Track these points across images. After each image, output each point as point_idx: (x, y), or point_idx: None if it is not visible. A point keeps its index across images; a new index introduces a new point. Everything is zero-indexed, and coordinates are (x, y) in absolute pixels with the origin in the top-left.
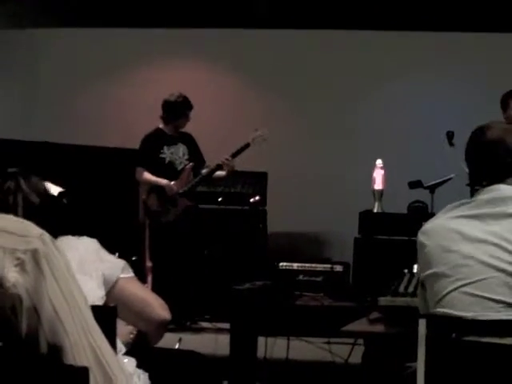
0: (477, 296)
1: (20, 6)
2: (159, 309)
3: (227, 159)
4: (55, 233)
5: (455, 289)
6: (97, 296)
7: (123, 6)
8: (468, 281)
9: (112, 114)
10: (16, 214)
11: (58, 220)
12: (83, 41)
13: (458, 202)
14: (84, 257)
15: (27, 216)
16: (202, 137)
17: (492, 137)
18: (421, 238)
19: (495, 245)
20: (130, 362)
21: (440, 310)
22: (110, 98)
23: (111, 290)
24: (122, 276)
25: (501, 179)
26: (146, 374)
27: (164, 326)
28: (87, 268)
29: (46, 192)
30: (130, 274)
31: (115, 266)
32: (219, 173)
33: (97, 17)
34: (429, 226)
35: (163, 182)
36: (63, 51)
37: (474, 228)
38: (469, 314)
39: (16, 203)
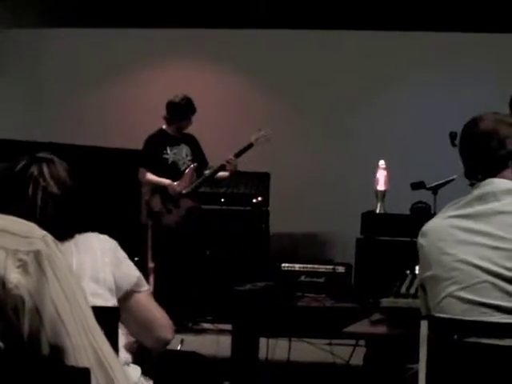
0: (470, 301)
1: (23, 5)
2: (166, 328)
3: (230, 159)
4: (70, 229)
5: (450, 293)
6: (109, 305)
7: (126, 6)
8: (462, 285)
9: (115, 115)
10: (35, 204)
11: (74, 216)
12: (86, 41)
13: (455, 200)
14: (98, 258)
15: (44, 207)
16: (205, 137)
17: (485, 128)
18: (419, 239)
19: (485, 245)
20: (134, 371)
21: (438, 315)
22: (113, 98)
23: (122, 300)
24: (135, 289)
25: (495, 173)
26: (151, 382)
27: (166, 345)
28: (101, 272)
29: (69, 183)
30: (145, 287)
31: (130, 275)
32: (222, 173)
33: (100, 17)
34: (426, 226)
35: (166, 182)
36: (66, 51)
37: (464, 228)
38: (465, 319)
39: (35, 193)
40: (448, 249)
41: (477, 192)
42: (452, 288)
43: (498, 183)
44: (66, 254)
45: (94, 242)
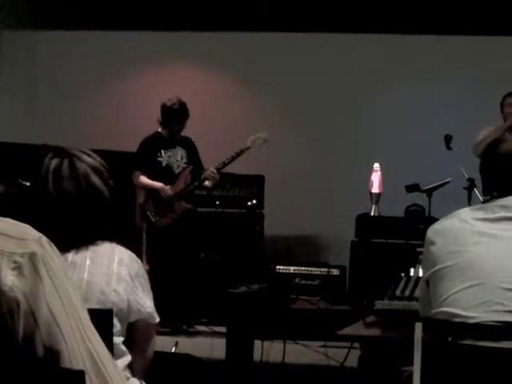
0: (482, 298)
1: (19, 7)
2: (142, 366)
3: (212, 172)
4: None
5: (462, 289)
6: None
7: (121, 9)
8: (475, 282)
9: (110, 117)
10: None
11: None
12: (83, 43)
13: (472, 206)
14: (113, 276)
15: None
16: (199, 140)
17: (504, 150)
18: (431, 235)
19: (505, 248)
20: None
21: (444, 309)
22: (108, 100)
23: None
24: (146, 320)
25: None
26: None
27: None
28: (111, 296)
29: (91, 182)
30: (155, 320)
31: (143, 306)
32: (206, 183)
33: (95, 20)
34: (440, 225)
35: (157, 185)
36: (61, 53)
37: (485, 231)
38: (472, 314)
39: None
40: (463, 247)
41: (500, 202)
42: (464, 284)
43: None
44: (80, 266)
45: (115, 254)
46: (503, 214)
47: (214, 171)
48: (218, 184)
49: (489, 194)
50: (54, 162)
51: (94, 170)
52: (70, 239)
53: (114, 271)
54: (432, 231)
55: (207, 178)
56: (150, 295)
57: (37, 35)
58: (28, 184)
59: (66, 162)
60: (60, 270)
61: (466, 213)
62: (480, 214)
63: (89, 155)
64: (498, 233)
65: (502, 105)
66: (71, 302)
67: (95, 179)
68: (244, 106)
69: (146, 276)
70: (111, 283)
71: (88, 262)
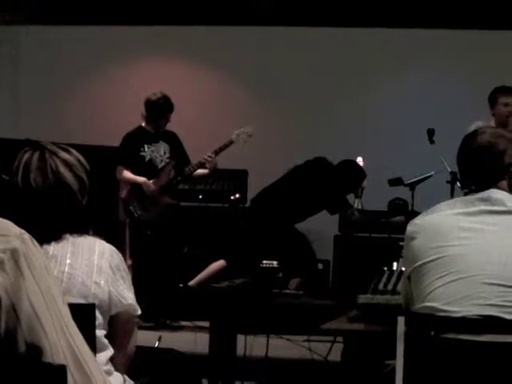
0: (464, 293)
1: (2, 2)
2: (124, 361)
3: (210, 156)
4: (60, 227)
5: (444, 284)
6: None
7: (103, 3)
8: (456, 276)
9: (93, 112)
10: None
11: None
12: (66, 39)
13: (452, 200)
14: (94, 268)
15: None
16: (185, 134)
17: (482, 142)
18: (411, 230)
19: (487, 242)
20: (116, 380)
21: (427, 304)
22: (92, 95)
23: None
24: (128, 312)
25: (492, 184)
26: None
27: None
28: (92, 287)
29: (64, 177)
30: (136, 312)
31: (124, 298)
32: (202, 170)
33: (77, 15)
34: (421, 220)
35: (140, 179)
36: (47, 49)
37: (465, 225)
38: (455, 309)
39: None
40: (444, 242)
41: (479, 195)
42: (446, 279)
43: (496, 193)
44: (60, 259)
45: (96, 247)
46: (483, 207)
47: (212, 155)
48: (213, 172)
49: (467, 187)
50: (26, 156)
51: (66, 163)
52: (38, 231)
53: (94, 263)
54: (412, 226)
55: (204, 164)
56: (131, 288)
57: (20, 30)
58: (7, 178)
59: (36, 155)
60: (42, 266)
61: (446, 207)
62: (460, 208)
63: (65, 150)
64: (478, 227)
65: (493, 101)
66: (53, 298)
67: (65, 173)
68: (228, 101)
69: (126, 269)
70: (92, 275)
71: (69, 254)
